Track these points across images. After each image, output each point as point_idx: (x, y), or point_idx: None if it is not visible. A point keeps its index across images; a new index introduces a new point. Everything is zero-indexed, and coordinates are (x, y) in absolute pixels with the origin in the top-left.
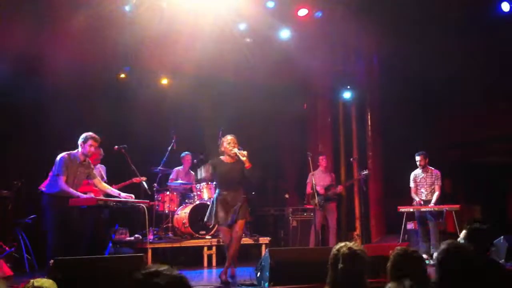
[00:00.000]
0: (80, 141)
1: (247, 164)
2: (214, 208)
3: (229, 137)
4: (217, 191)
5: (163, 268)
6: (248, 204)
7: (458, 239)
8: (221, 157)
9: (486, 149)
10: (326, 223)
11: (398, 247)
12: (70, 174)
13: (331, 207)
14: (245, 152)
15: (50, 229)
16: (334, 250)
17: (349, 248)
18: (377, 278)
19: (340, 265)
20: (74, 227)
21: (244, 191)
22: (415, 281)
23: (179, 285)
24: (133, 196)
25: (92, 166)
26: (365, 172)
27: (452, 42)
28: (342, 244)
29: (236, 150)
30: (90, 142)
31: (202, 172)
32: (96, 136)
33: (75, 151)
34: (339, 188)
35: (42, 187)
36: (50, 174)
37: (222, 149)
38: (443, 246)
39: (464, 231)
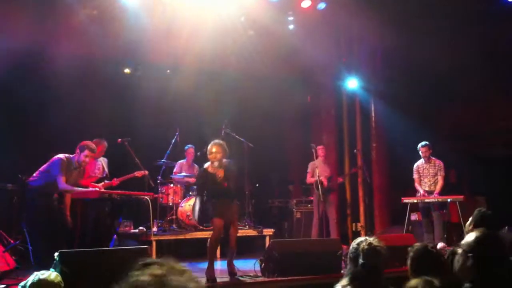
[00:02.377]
0: (77, 148)
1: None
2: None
3: (209, 146)
4: (207, 199)
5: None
6: (251, 196)
7: (466, 224)
8: (207, 165)
9: (491, 140)
10: (327, 214)
11: (417, 243)
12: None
13: (331, 198)
14: (221, 172)
15: (35, 224)
16: (354, 244)
17: (370, 244)
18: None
19: (360, 261)
20: (58, 221)
21: (232, 197)
22: (440, 277)
23: None
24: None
25: (82, 172)
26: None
27: (456, 33)
28: (363, 238)
29: (216, 164)
30: (86, 152)
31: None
32: (93, 146)
33: (73, 155)
34: (340, 179)
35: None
36: (41, 170)
37: (208, 157)
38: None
39: (473, 215)
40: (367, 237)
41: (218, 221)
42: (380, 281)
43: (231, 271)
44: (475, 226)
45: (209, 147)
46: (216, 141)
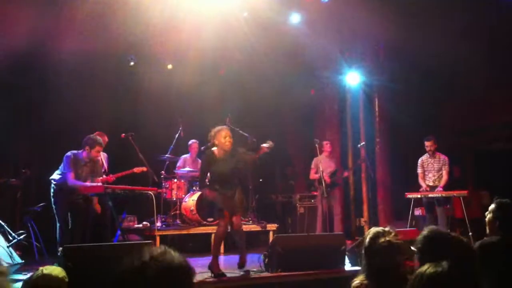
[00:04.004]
0: (86, 144)
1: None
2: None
3: (224, 130)
4: (211, 184)
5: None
6: (255, 191)
7: (486, 213)
8: (213, 149)
9: (495, 135)
10: (331, 210)
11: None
12: (75, 173)
13: (335, 194)
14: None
15: (58, 218)
16: (369, 239)
17: (389, 242)
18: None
19: (377, 259)
20: (80, 215)
21: (238, 182)
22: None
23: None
24: None
25: (98, 163)
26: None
27: (460, 27)
28: (378, 231)
29: (266, 145)
30: (97, 148)
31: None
32: (101, 140)
33: (80, 151)
34: (345, 173)
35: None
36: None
37: (216, 142)
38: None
39: (493, 205)
40: (383, 229)
41: (225, 213)
42: (399, 275)
43: (242, 263)
44: (494, 217)
45: (222, 133)
46: (226, 127)
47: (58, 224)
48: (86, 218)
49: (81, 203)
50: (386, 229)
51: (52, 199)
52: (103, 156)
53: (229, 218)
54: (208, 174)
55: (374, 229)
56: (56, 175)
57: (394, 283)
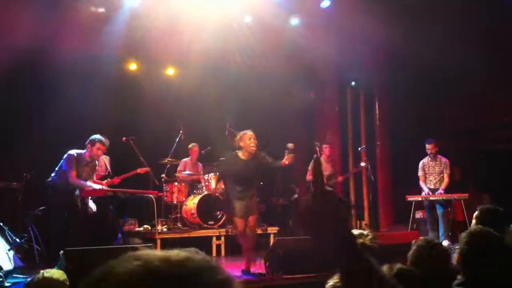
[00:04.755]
0: (87, 143)
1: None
2: (232, 202)
3: (249, 133)
4: (231, 185)
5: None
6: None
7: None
8: (237, 152)
9: (495, 136)
10: None
11: (421, 238)
12: (76, 172)
13: None
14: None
15: (55, 220)
16: None
17: (362, 243)
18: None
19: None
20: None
21: (256, 186)
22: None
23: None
24: None
25: (98, 165)
26: (362, 164)
27: (459, 29)
28: (357, 233)
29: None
30: (97, 145)
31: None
32: (104, 139)
33: (83, 151)
34: (339, 178)
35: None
36: (57, 168)
37: (241, 144)
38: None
39: (476, 213)
40: (361, 232)
41: (239, 221)
42: (374, 280)
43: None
44: (480, 223)
45: (248, 133)
46: (251, 130)
47: (55, 226)
48: (82, 220)
49: (78, 205)
50: (365, 232)
51: (49, 201)
52: (105, 159)
53: (244, 221)
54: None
55: (354, 231)
56: (53, 176)
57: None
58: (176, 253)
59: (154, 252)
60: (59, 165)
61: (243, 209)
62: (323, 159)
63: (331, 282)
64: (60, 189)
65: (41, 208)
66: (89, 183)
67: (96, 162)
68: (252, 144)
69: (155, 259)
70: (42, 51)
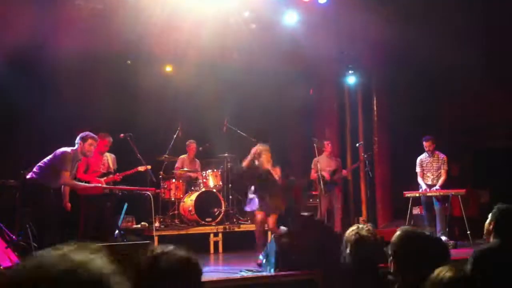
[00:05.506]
0: (78, 140)
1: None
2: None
3: (266, 152)
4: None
5: (168, 249)
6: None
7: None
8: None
9: (493, 133)
10: (332, 209)
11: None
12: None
13: (336, 193)
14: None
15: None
16: (346, 234)
17: (356, 233)
18: (386, 263)
19: (347, 251)
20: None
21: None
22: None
23: (187, 268)
24: None
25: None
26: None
27: (457, 26)
28: (353, 228)
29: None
30: (89, 141)
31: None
32: (94, 135)
33: (75, 148)
34: (344, 172)
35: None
36: (43, 164)
37: (260, 160)
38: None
39: (492, 213)
40: (359, 225)
41: (259, 214)
42: (373, 276)
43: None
44: (496, 224)
45: (264, 152)
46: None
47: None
48: (82, 219)
49: (54, 201)
50: (360, 225)
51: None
52: (110, 157)
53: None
54: None
55: (352, 227)
56: (36, 171)
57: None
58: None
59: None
60: (48, 163)
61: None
62: (325, 155)
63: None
64: (43, 186)
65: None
66: (80, 183)
67: (86, 157)
68: (266, 162)
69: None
70: (40, 48)
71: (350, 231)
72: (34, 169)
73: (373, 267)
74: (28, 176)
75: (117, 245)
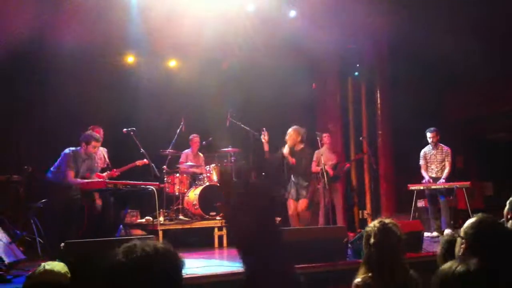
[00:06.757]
0: (82, 140)
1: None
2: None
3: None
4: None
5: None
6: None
7: (504, 212)
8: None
9: (499, 125)
10: (333, 202)
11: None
12: (75, 170)
13: (336, 186)
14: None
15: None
16: (367, 228)
17: (380, 222)
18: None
19: (372, 240)
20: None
21: (310, 175)
22: None
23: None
24: None
25: (94, 159)
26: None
27: (460, 18)
28: (377, 220)
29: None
30: (93, 143)
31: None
32: (98, 136)
33: (78, 148)
34: (347, 164)
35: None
36: (55, 165)
37: (292, 142)
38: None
39: (510, 202)
40: (381, 219)
41: (290, 202)
42: (398, 264)
43: None
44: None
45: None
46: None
47: (54, 221)
48: (85, 215)
49: (79, 199)
50: (387, 220)
51: (49, 196)
52: (103, 151)
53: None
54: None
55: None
56: (50, 173)
57: (393, 270)
58: None
59: None
60: (57, 164)
61: (293, 192)
62: (326, 148)
63: (359, 279)
64: (59, 185)
65: (43, 200)
66: (83, 181)
67: (92, 160)
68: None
69: None
70: (40, 43)
71: (374, 223)
72: (51, 168)
73: (396, 257)
74: (47, 175)
75: (120, 240)
